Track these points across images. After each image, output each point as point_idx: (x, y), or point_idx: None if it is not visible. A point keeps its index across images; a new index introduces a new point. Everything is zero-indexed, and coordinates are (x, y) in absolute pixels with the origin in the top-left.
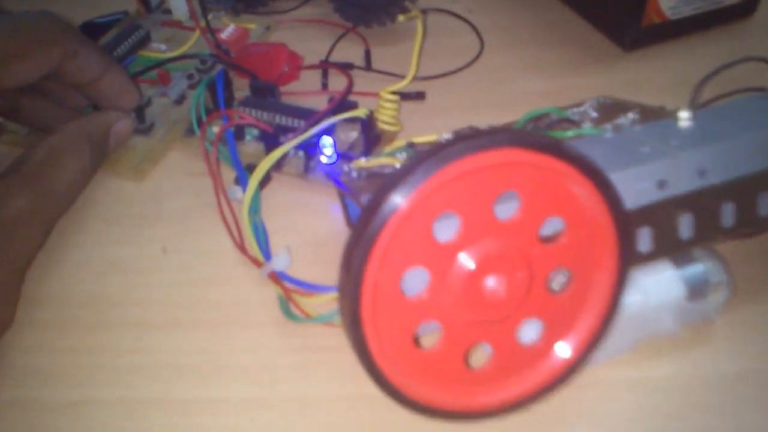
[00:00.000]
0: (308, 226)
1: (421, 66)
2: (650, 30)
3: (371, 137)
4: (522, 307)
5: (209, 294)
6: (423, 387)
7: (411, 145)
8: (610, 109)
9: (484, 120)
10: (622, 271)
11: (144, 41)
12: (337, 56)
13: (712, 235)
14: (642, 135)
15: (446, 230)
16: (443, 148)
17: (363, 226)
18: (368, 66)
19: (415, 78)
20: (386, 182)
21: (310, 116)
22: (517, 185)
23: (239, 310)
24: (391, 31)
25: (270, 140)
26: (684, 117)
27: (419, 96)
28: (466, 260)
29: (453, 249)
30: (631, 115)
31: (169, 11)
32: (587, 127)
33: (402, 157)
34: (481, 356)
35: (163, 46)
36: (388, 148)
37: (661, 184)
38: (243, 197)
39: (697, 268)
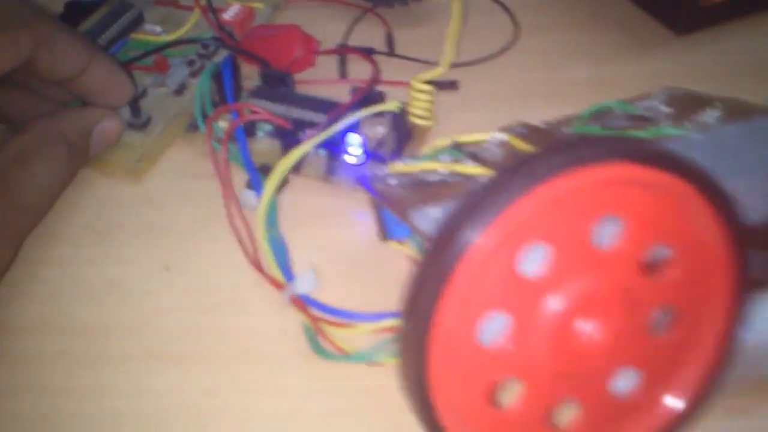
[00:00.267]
0: (333, 238)
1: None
2: (707, 11)
3: (403, 133)
4: (617, 354)
5: (219, 321)
6: None
7: (457, 146)
8: (684, 103)
9: (529, 114)
10: (739, 305)
11: (136, 23)
12: (354, 40)
13: None
14: (740, 137)
15: (531, 263)
16: (528, 163)
17: (431, 266)
18: (391, 51)
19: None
20: (459, 210)
21: (333, 109)
22: (621, 208)
23: (255, 341)
24: (412, 12)
25: (287, 137)
26: None
27: (451, 86)
28: (555, 300)
29: (539, 287)
30: (712, 111)
31: None
32: (666, 126)
33: (446, 160)
34: (567, 413)
35: (158, 28)
36: (427, 149)
37: None
38: (256, 204)
39: None
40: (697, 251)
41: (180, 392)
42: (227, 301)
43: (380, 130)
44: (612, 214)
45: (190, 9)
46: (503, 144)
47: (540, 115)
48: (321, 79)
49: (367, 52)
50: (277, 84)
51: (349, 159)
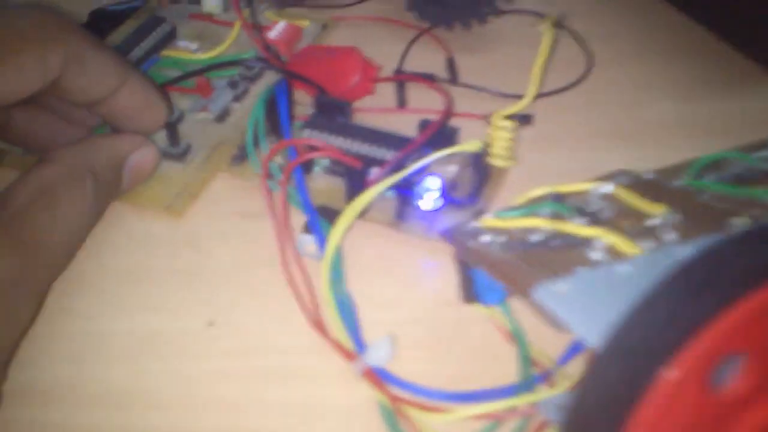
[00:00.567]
0: (405, 295)
1: (514, 82)
2: None
3: (483, 176)
4: None
5: (272, 392)
6: None
7: (557, 198)
8: None
9: (612, 156)
10: None
11: (168, 39)
12: (408, 65)
13: None
14: None
15: (724, 377)
16: (722, 266)
17: (605, 393)
18: (453, 78)
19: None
20: (641, 327)
21: (404, 145)
22: None
23: (315, 419)
24: (471, 35)
25: (354, 177)
26: None
27: (526, 120)
28: (756, 416)
29: (737, 403)
30: None
31: (196, 1)
32: None
33: (546, 214)
34: None
35: (193, 45)
36: (521, 199)
37: None
38: (315, 251)
39: None
40: None
41: None
42: (281, 367)
43: (452, 169)
44: None
45: (228, 24)
46: (609, 197)
47: (625, 158)
48: (379, 108)
49: (428, 79)
50: (333, 113)
51: (423, 204)
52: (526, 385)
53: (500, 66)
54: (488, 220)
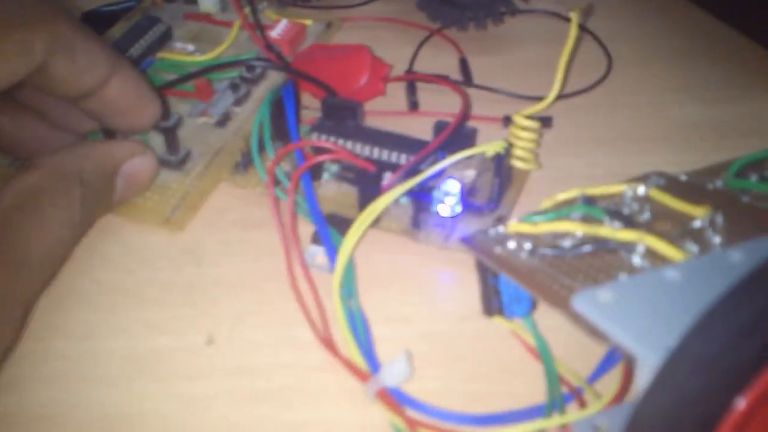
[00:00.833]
0: (423, 309)
1: (531, 84)
2: None
3: (504, 179)
4: None
5: (277, 416)
6: None
7: (588, 200)
8: None
9: (639, 159)
10: None
11: (164, 40)
12: (418, 66)
13: None
14: None
15: None
16: None
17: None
18: (467, 79)
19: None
20: (719, 348)
21: (420, 148)
22: None
23: None
24: (484, 36)
25: (367, 183)
26: None
27: (546, 123)
28: None
29: None
30: None
31: (193, 1)
32: None
33: (576, 217)
34: None
35: (189, 47)
36: (548, 202)
37: None
38: (324, 263)
39: None
40: None
41: None
42: (288, 389)
43: (470, 174)
44: None
45: (226, 25)
46: (644, 198)
47: (652, 161)
48: (390, 111)
49: (442, 79)
50: (343, 116)
51: (442, 210)
52: (554, 405)
53: (516, 67)
54: (514, 225)
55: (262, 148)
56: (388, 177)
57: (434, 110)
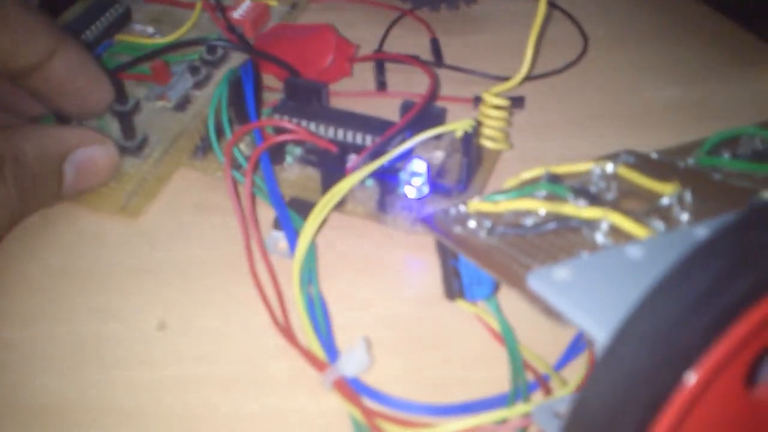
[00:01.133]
0: (385, 295)
1: (503, 65)
2: None
3: (473, 160)
4: None
5: (231, 403)
6: None
7: (553, 179)
8: None
9: (612, 139)
10: None
11: (122, 21)
12: (389, 47)
13: None
14: None
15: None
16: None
17: (626, 408)
18: (438, 60)
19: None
20: (665, 326)
21: (386, 129)
22: None
23: None
24: (457, 17)
25: (330, 165)
26: None
27: (518, 103)
28: None
29: None
30: None
31: None
32: None
33: (541, 196)
34: None
35: (149, 29)
36: (513, 181)
37: None
38: (285, 249)
39: None
40: None
41: None
42: (243, 376)
43: (439, 155)
44: None
45: (188, 6)
46: (611, 176)
47: (626, 142)
48: (356, 92)
49: (410, 58)
50: (307, 97)
51: (408, 192)
52: (517, 393)
53: (489, 48)
54: (475, 204)
55: (222, 131)
56: (352, 159)
57: (403, 91)
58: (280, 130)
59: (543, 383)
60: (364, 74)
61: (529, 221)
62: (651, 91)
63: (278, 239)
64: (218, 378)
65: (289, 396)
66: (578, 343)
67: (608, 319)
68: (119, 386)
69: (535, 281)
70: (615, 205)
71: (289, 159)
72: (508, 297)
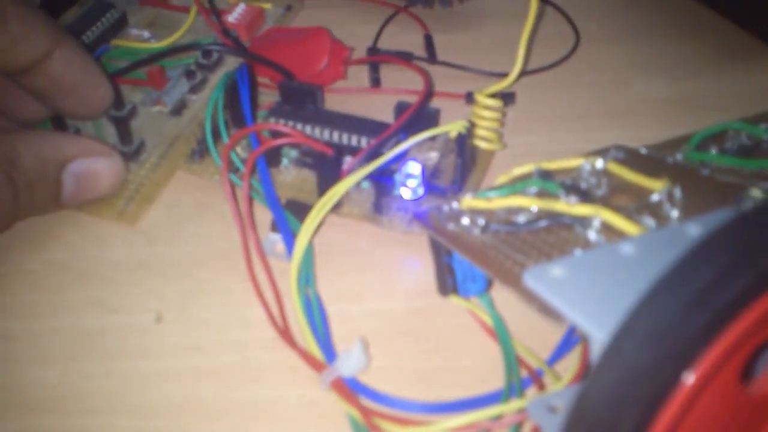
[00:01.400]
0: (383, 295)
1: (497, 61)
2: None
3: (467, 160)
4: None
5: (225, 394)
6: None
7: (544, 175)
8: None
9: (602, 135)
10: None
11: (118, 26)
12: (383, 45)
13: None
14: None
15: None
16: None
17: (624, 405)
18: (432, 57)
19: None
20: (663, 324)
21: (380, 131)
22: None
23: (278, 428)
24: (450, 15)
25: (326, 168)
26: None
27: (508, 99)
28: None
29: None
30: None
31: None
32: None
33: (532, 192)
34: None
35: (145, 33)
36: (504, 178)
37: None
38: (283, 251)
39: None
40: None
41: None
42: (236, 368)
43: (433, 156)
44: None
45: (183, 10)
46: (601, 173)
47: (617, 137)
48: (351, 89)
49: (405, 58)
50: (302, 100)
51: (404, 193)
52: (511, 388)
53: (482, 44)
54: (468, 201)
55: (219, 135)
56: (348, 161)
57: (397, 87)
58: (276, 134)
59: (536, 378)
60: (359, 74)
61: (521, 218)
62: (641, 86)
63: (275, 242)
64: (215, 369)
65: (285, 387)
66: (570, 338)
67: (605, 317)
68: (118, 377)
69: (532, 279)
70: (605, 202)
71: (285, 161)
72: (501, 293)
